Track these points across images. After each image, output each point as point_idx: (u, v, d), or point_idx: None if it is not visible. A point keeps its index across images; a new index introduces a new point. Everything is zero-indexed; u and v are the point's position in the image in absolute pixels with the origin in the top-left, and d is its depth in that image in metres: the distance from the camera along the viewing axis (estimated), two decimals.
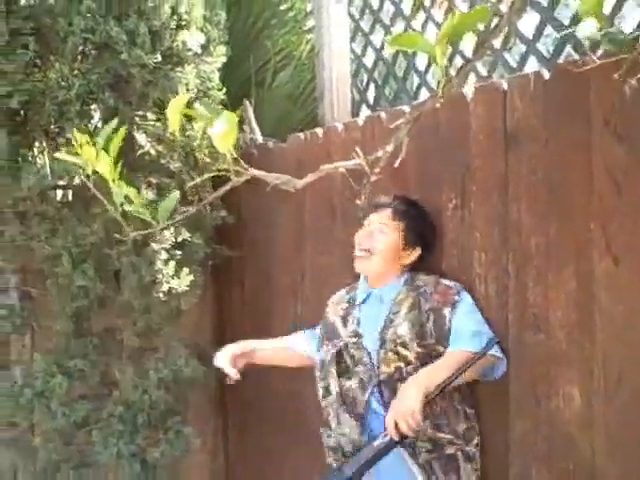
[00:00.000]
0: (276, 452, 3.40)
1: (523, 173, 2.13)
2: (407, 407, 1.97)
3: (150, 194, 2.85)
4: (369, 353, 2.25)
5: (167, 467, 3.21)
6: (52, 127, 2.92)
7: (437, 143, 2.39)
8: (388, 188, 2.43)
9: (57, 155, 1.49)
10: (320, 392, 2.40)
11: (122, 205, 1.47)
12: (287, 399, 3.21)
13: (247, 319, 3.56)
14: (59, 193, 3.17)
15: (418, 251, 2.33)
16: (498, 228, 2.21)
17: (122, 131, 1.41)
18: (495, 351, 2.13)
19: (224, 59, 2.99)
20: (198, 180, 1.59)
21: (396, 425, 1.97)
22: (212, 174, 1.50)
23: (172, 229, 2.89)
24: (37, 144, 2.96)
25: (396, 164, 1.38)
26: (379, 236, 2.28)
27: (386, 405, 2.16)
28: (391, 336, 2.19)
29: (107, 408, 3.07)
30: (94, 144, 1.39)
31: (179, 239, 2.94)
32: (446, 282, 2.26)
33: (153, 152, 2.95)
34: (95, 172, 1.57)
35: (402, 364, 2.17)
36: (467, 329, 2.15)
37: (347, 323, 2.36)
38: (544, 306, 2.08)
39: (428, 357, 2.15)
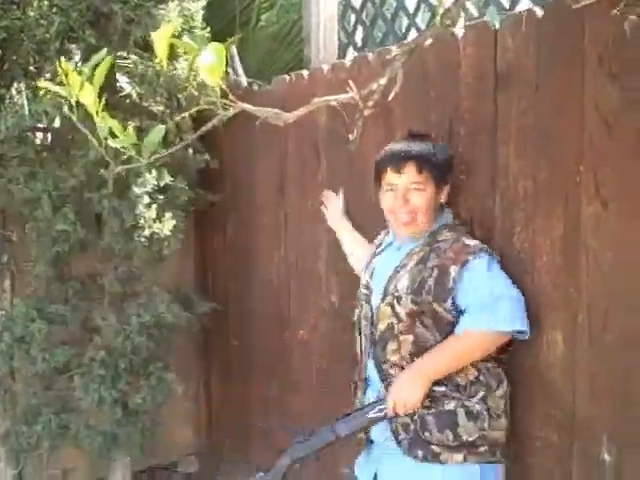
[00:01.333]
0: (260, 399, 3.41)
1: (513, 115, 2.09)
2: (409, 396, 1.98)
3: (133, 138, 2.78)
4: (371, 308, 2.18)
5: (149, 413, 3.21)
6: (31, 67, 2.83)
7: (425, 84, 2.34)
8: (374, 130, 2.39)
9: (41, 84, 1.43)
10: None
11: (106, 140, 1.42)
12: (271, 346, 3.21)
13: (230, 264, 3.54)
14: (39, 136, 3.10)
15: (449, 184, 2.18)
16: (486, 171, 2.17)
17: (108, 60, 1.35)
18: (518, 326, 1.99)
19: None
20: (185, 115, 1.53)
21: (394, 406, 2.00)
22: (198, 108, 1.45)
23: (154, 172, 2.83)
24: (15, 84, 2.87)
25: (390, 97, 1.34)
26: (416, 196, 2.09)
27: (378, 364, 2.12)
28: (391, 289, 2.09)
29: (88, 353, 3.05)
30: (79, 74, 1.34)
31: (162, 183, 2.89)
32: (466, 241, 2.07)
33: (135, 94, 2.87)
34: (79, 105, 1.51)
35: (394, 320, 2.07)
36: (476, 299, 1.98)
37: (366, 272, 2.28)
38: (530, 251, 2.06)
39: (421, 315, 2.04)
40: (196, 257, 3.78)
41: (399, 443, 2.07)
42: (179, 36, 2.75)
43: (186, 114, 1.53)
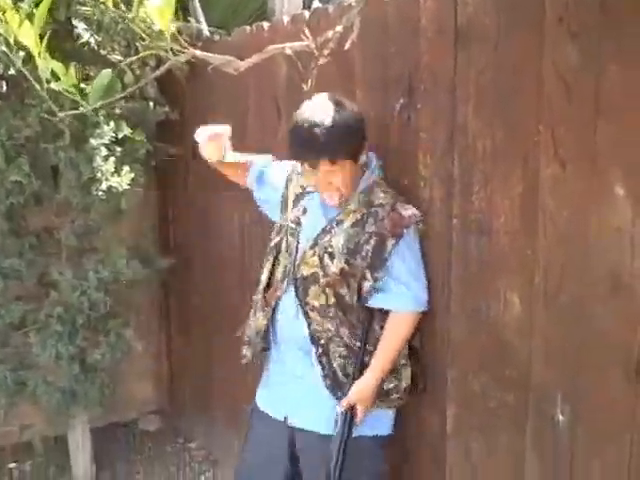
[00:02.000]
0: (220, 358, 3.39)
1: (472, 73, 2.03)
2: (368, 398, 2.11)
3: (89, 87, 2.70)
4: (297, 246, 2.21)
5: (108, 370, 3.18)
6: None
7: (385, 39, 2.27)
8: (333, 85, 2.33)
9: None
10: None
11: (49, 82, 1.35)
12: (232, 302, 3.17)
13: (192, 220, 3.48)
14: None
15: (365, 143, 2.14)
16: (444, 130, 2.12)
17: None
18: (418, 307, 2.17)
19: None
20: (134, 58, 1.47)
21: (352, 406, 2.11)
22: (149, 52, 1.38)
23: (112, 124, 2.75)
24: None
25: (346, 46, 1.28)
26: (336, 178, 2.08)
27: (299, 301, 2.17)
28: (324, 242, 2.14)
29: (45, 309, 3.00)
30: (18, 11, 1.26)
31: (120, 135, 2.81)
32: (402, 211, 2.11)
33: (93, 41, 2.78)
34: (25, 51, 1.44)
35: (320, 272, 2.12)
36: (404, 276, 2.13)
37: (295, 207, 2.29)
38: (488, 211, 2.02)
39: (350, 277, 2.11)
40: (157, 212, 3.72)
41: (324, 377, 2.17)
42: None
43: (137, 57, 1.45)
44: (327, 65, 1.52)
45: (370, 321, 2.16)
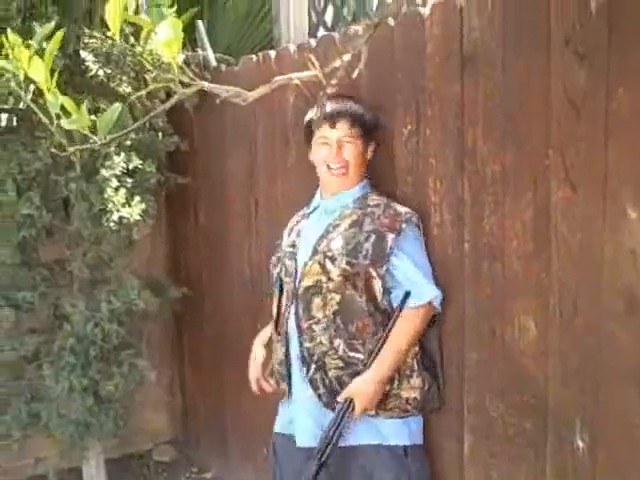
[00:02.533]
0: (234, 387, 3.37)
1: (479, 97, 2.03)
2: (366, 394, 2.07)
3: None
4: (297, 265, 2.22)
5: (122, 401, 3.17)
6: None
7: (391, 65, 2.28)
8: None
9: None
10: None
11: (59, 118, 1.35)
12: (245, 332, 3.16)
13: (202, 249, 3.48)
14: (3, 117, 3.02)
15: (374, 144, 2.28)
16: (454, 155, 2.12)
17: (59, 34, 1.28)
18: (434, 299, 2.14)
19: None
20: (143, 92, 1.47)
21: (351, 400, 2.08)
22: (158, 85, 1.39)
23: (122, 155, 2.77)
24: None
25: (354, 75, 1.28)
26: (348, 148, 2.20)
27: (298, 320, 2.17)
28: (322, 248, 2.16)
29: (58, 341, 3.00)
30: (28, 47, 1.27)
31: (130, 166, 2.83)
32: (397, 207, 2.18)
33: (102, 74, 2.80)
34: (32, 84, 1.45)
35: (323, 278, 2.14)
36: (409, 272, 2.13)
37: (291, 234, 2.34)
38: (500, 235, 2.01)
39: (354, 277, 2.11)
40: (167, 242, 3.73)
41: (319, 397, 2.16)
42: (146, 14, 2.67)
43: (144, 92, 1.46)
44: (334, 92, 1.52)
45: (374, 329, 2.13)
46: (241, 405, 3.32)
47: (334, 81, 1.28)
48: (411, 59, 2.21)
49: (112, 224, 2.82)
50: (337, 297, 2.13)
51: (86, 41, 2.72)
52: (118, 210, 2.78)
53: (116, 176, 2.79)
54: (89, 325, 2.95)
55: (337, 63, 1.26)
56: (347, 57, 1.26)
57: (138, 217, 2.85)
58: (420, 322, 2.12)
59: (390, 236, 2.10)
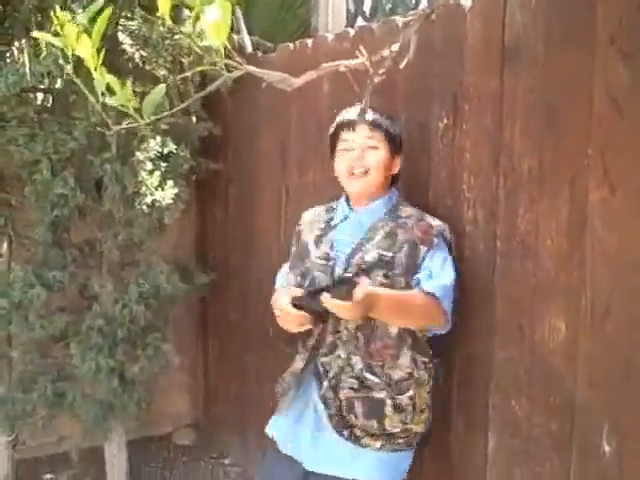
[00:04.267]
0: (256, 374, 3.38)
1: (519, 92, 2.00)
2: (350, 313, 1.91)
3: (134, 101, 2.73)
4: (332, 278, 2.12)
5: (146, 384, 3.18)
6: (32, 24, 2.76)
7: (430, 57, 2.25)
8: (377, 103, 2.32)
9: (35, 34, 1.37)
10: None
11: (104, 96, 1.35)
12: (269, 319, 3.16)
13: (230, 236, 3.49)
14: (40, 97, 3.04)
15: (400, 159, 2.23)
16: (490, 150, 2.10)
17: (107, 13, 1.28)
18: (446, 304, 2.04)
19: None
20: (188, 74, 1.47)
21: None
22: (202, 68, 1.38)
23: (158, 139, 2.78)
24: (16, 43, 2.80)
25: (402, 65, 1.27)
26: (371, 153, 2.14)
27: (334, 331, 2.10)
28: (357, 260, 2.09)
29: (86, 321, 3.01)
30: (76, 25, 1.28)
31: (165, 150, 2.83)
32: (430, 220, 2.14)
33: (138, 57, 2.81)
34: (76, 65, 1.46)
35: None
36: (441, 279, 2.05)
37: (320, 244, 2.22)
38: (534, 234, 1.99)
39: (390, 287, 2.03)
40: (197, 227, 3.74)
41: (330, 418, 2.09)
42: None
43: (188, 74, 1.46)
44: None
45: (396, 353, 2.07)
46: (262, 393, 3.32)
47: (382, 70, 1.27)
48: (451, 52, 2.19)
49: (144, 207, 2.83)
50: None
51: (124, 23, 2.73)
52: (151, 193, 2.79)
53: (150, 159, 2.80)
54: (117, 306, 2.97)
55: (385, 52, 1.25)
56: (396, 47, 1.26)
57: (170, 201, 2.86)
58: (427, 310, 2.02)
59: (423, 248, 2.07)
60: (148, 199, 2.80)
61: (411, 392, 2.07)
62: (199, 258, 3.66)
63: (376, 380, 2.05)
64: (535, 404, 2.02)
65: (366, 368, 2.06)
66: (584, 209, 1.84)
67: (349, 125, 2.14)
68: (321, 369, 2.12)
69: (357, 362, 2.07)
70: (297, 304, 2.00)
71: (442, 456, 2.29)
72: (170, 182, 2.85)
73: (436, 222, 2.13)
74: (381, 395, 2.05)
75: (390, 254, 2.07)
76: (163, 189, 2.83)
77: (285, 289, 2.21)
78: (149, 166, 2.79)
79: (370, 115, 2.12)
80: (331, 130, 2.21)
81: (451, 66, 2.19)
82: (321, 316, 2.02)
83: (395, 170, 2.22)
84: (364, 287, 1.89)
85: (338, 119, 2.19)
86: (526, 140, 1.99)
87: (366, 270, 2.06)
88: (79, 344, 3.01)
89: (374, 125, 2.13)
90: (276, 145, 3.05)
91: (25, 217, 3.02)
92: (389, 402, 2.05)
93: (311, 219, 2.34)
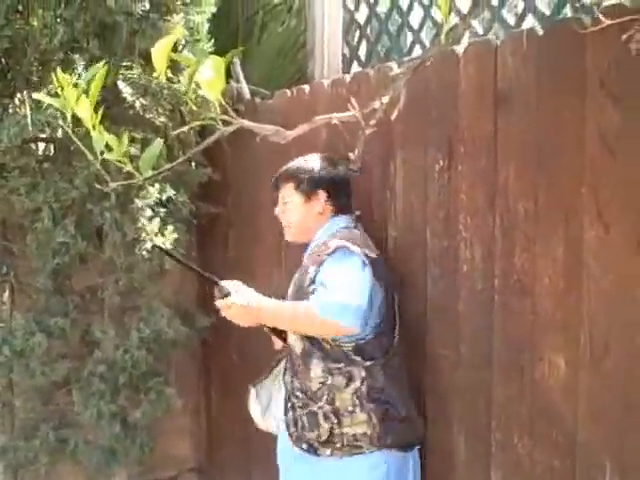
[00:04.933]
0: None
1: (513, 135, 2.05)
2: (238, 317, 2.27)
3: (133, 149, 2.77)
4: None
5: (148, 428, 3.18)
6: (34, 77, 2.81)
7: (425, 102, 2.30)
8: (374, 148, 2.37)
9: (35, 96, 1.41)
10: None
11: (102, 154, 1.39)
12: (271, 362, 3.17)
13: (231, 278, 3.49)
14: (41, 146, 3.08)
15: (323, 194, 2.33)
16: (485, 191, 2.14)
17: (102, 72, 1.32)
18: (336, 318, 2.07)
19: (213, 9, 2.90)
20: (185, 128, 1.51)
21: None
22: (198, 123, 1.42)
23: (157, 185, 2.81)
24: (18, 95, 2.86)
25: (393, 117, 1.31)
26: (287, 210, 2.38)
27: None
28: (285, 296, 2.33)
29: (88, 367, 3.02)
30: (75, 86, 1.31)
31: (164, 196, 2.87)
32: (330, 242, 2.21)
33: (138, 105, 2.85)
34: (75, 118, 1.49)
35: None
36: (324, 283, 2.12)
37: None
38: (531, 272, 2.02)
39: None
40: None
41: (290, 435, 2.28)
42: (183, 48, 2.73)
43: (185, 128, 1.50)
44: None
45: (306, 369, 2.21)
46: (265, 434, 3.31)
47: (373, 121, 1.31)
48: (445, 96, 2.23)
49: (144, 253, 2.86)
50: (294, 338, 2.26)
51: (124, 73, 2.78)
52: (151, 239, 2.82)
53: (150, 206, 2.83)
54: (119, 352, 2.97)
55: (376, 104, 1.29)
56: (385, 99, 1.29)
57: (170, 246, 2.89)
58: (310, 323, 2.11)
59: (312, 268, 2.20)
60: (148, 245, 2.83)
61: (325, 398, 2.18)
62: (200, 302, 3.67)
63: (301, 395, 2.23)
64: (537, 441, 2.02)
65: (299, 387, 2.24)
66: (579, 247, 1.87)
67: (275, 185, 2.43)
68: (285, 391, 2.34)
69: (295, 383, 2.26)
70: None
71: None
72: (170, 227, 2.88)
73: (336, 243, 2.19)
74: (314, 408, 2.20)
75: (298, 286, 2.25)
76: (163, 234, 2.86)
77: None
78: (148, 213, 2.82)
79: (283, 169, 2.40)
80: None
81: (446, 110, 2.24)
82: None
83: (319, 208, 2.33)
84: (237, 298, 2.20)
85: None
86: (521, 181, 2.03)
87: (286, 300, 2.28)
88: (81, 390, 3.02)
89: (280, 180, 2.40)
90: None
91: (27, 265, 3.05)
92: (320, 412, 2.19)
93: None
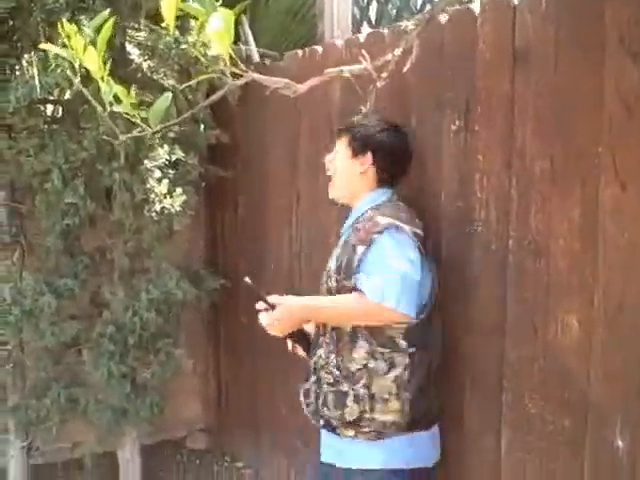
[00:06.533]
0: (268, 376, 3.39)
1: (530, 95, 2.02)
2: (282, 326, 2.21)
3: (143, 113, 2.76)
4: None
5: (158, 389, 3.21)
6: (41, 38, 2.79)
7: (441, 62, 2.27)
8: (390, 107, 2.34)
9: (42, 46, 1.39)
10: None
11: (111, 105, 1.38)
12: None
13: (240, 242, 3.51)
14: (49, 108, 3.07)
15: (369, 156, 2.24)
16: (502, 152, 2.11)
17: (110, 23, 1.31)
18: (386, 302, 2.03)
19: None
20: (193, 82, 1.49)
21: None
22: (207, 76, 1.41)
23: (166, 147, 2.80)
24: (26, 56, 2.84)
25: (405, 69, 1.29)
26: (335, 160, 2.30)
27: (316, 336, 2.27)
28: (327, 268, 2.24)
29: (97, 328, 3.04)
30: (82, 37, 1.30)
31: (173, 158, 2.86)
32: (378, 219, 2.13)
33: (146, 67, 2.83)
34: (83, 76, 1.48)
35: (327, 295, 2.22)
36: (375, 269, 2.06)
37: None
38: (546, 233, 2.00)
39: (338, 293, 2.16)
40: (206, 233, 3.77)
41: (306, 405, 2.26)
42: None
43: (193, 82, 1.48)
44: (382, 87, 1.54)
45: (351, 348, 2.14)
46: (274, 396, 3.34)
47: (384, 74, 1.29)
48: (461, 56, 2.20)
49: (153, 214, 2.86)
50: None
51: (132, 34, 2.76)
52: (160, 201, 2.82)
53: (159, 167, 2.83)
54: (128, 313, 2.99)
55: (388, 57, 1.27)
56: (398, 51, 1.27)
57: (179, 208, 2.89)
58: (361, 311, 2.07)
59: (360, 248, 2.10)
60: (157, 206, 2.83)
61: (363, 381, 2.12)
62: (209, 264, 3.68)
63: (336, 372, 2.16)
64: (548, 400, 2.03)
65: (336, 364, 2.16)
66: (595, 208, 1.86)
67: (335, 137, 2.33)
68: (313, 366, 2.25)
69: (332, 359, 2.17)
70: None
71: (456, 451, 2.30)
72: (179, 189, 2.88)
73: (384, 220, 2.12)
74: (345, 388, 2.14)
75: (341, 259, 2.16)
76: (172, 196, 2.86)
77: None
78: (157, 174, 2.82)
79: (346, 122, 2.30)
80: None
81: (462, 69, 2.20)
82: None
83: (362, 168, 2.25)
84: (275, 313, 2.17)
85: None
86: (537, 141, 2.01)
87: (329, 277, 2.20)
88: (91, 351, 3.05)
89: (340, 130, 2.31)
90: (286, 151, 3.07)
91: (36, 226, 3.06)
92: (351, 393, 2.13)
93: None
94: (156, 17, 2.67)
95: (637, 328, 1.78)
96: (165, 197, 2.85)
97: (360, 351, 2.13)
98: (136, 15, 2.77)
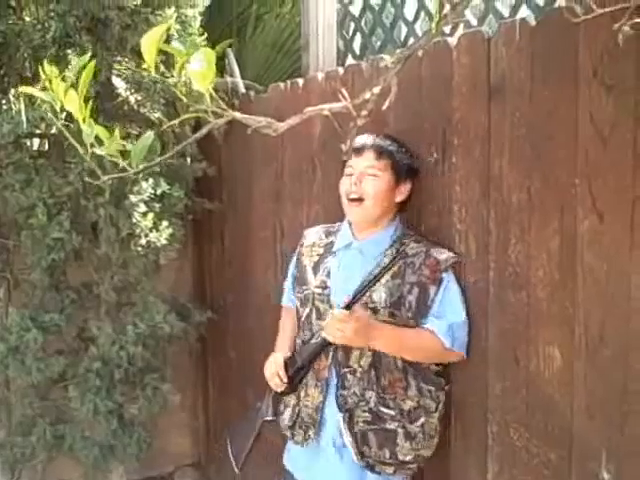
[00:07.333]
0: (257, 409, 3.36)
1: (506, 126, 2.04)
2: (353, 339, 2.04)
3: (129, 146, 2.76)
4: (330, 309, 2.17)
5: (145, 424, 3.18)
6: (27, 73, 2.81)
7: (419, 94, 2.29)
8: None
9: (24, 89, 1.40)
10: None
11: (92, 147, 1.38)
12: (268, 357, 3.16)
13: (227, 274, 3.50)
14: (35, 142, 3.08)
15: (409, 184, 2.23)
16: (479, 183, 2.13)
17: (91, 65, 1.31)
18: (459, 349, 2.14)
19: (207, 2, 2.90)
20: (176, 121, 1.50)
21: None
22: (190, 116, 1.41)
23: (150, 180, 2.81)
24: (12, 90, 2.85)
25: (384, 107, 1.30)
26: (369, 180, 2.15)
27: (338, 367, 2.16)
28: (365, 299, 2.11)
29: (84, 363, 3.02)
30: (64, 79, 1.31)
31: (158, 191, 2.86)
32: (436, 255, 2.14)
33: (132, 100, 2.85)
34: (68, 113, 1.49)
35: None
36: (449, 312, 2.12)
37: (317, 272, 2.29)
38: (526, 264, 2.01)
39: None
40: (193, 266, 3.76)
41: (359, 453, 2.12)
42: (176, 41, 2.73)
43: (177, 121, 1.48)
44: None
45: (404, 386, 2.12)
46: (262, 429, 3.31)
47: (364, 112, 1.30)
48: (438, 88, 2.23)
49: (139, 248, 2.85)
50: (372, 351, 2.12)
51: (118, 68, 2.78)
52: (146, 235, 2.82)
53: (144, 201, 2.82)
54: (115, 348, 2.97)
55: (367, 95, 1.28)
56: (377, 90, 1.28)
57: (165, 242, 2.89)
58: (435, 350, 2.10)
59: (433, 288, 2.11)
60: (143, 240, 2.82)
61: (422, 420, 2.12)
62: (196, 297, 3.67)
63: (390, 412, 2.10)
64: (533, 434, 2.02)
65: (380, 402, 2.11)
66: (574, 238, 1.87)
67: (357, 151, 2.17)
68: (341, 401, 2.16)
69: (371, 397, 2.12)
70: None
71: None
72: (165, 222, 2.88)
73: (443, 256, 2.14)
74: (392, 426, 2.10)
75: (398, 294, 2.11)
76: (158, 230, 2.85)
77: (274, 358, 2.39)
78: (143, 208, 2.81)
79: (378, 141, 2.17)
80: (345, 160, 2.24)
81: (440, 102, 2.23)
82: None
83: (399, 198, 2.22)
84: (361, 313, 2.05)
85: (351, 146, 2.19)
86: (514, 172, 2.02)
87: (373, 309, 2.11)
88: (77, 386, 3.02)
89: (380, 151, 2.16)
90: (270, 184, 3.08)
91: (22, 261, 3.05)
92: (401, 432, 2.10)
93: (312, 242, 2.39)
94: (142, 51, 2.69)
95: (618, 359, 1.78)
96: (151, 231, 2.85)
97: (412, 389, 2.12)
98: (122, 49, 2.79)
